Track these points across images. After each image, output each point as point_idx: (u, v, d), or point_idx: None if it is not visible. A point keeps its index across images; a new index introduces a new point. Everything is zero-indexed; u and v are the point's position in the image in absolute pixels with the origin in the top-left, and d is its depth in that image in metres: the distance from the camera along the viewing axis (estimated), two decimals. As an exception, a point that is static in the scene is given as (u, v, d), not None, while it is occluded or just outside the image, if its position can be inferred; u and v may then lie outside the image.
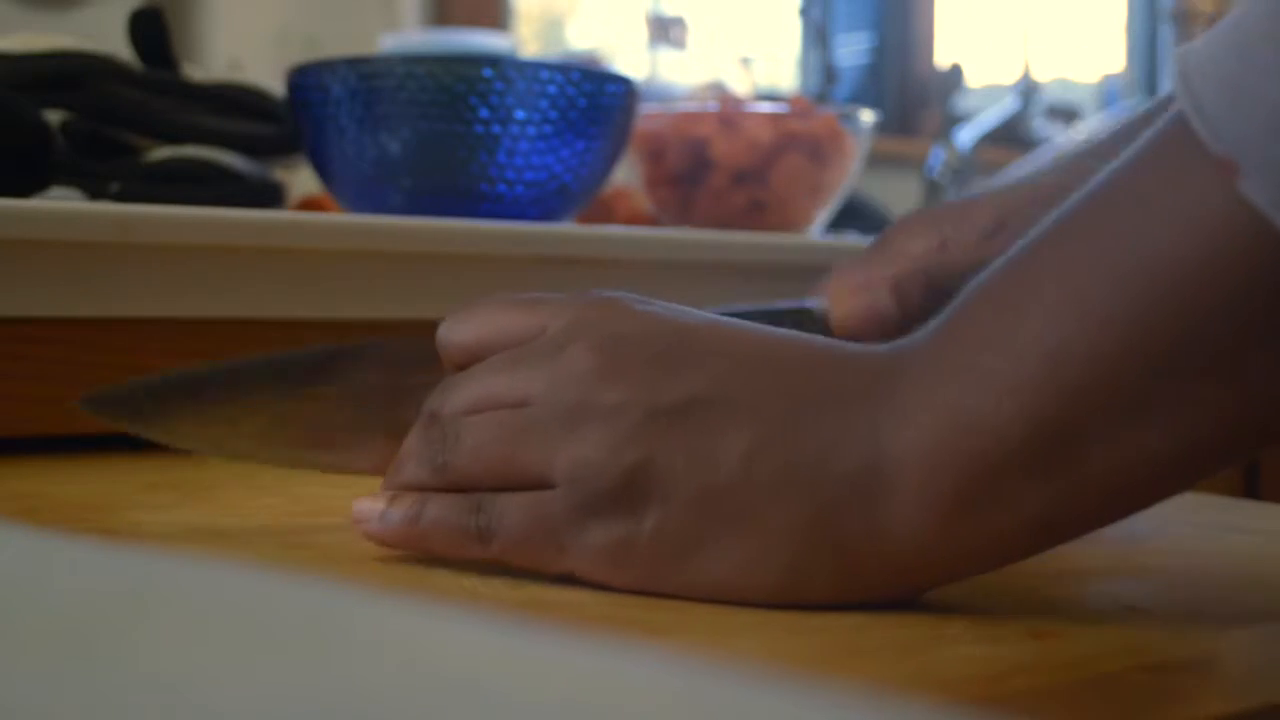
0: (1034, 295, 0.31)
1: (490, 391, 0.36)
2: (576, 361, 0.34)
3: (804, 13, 1.96)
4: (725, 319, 0.36)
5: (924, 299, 0.45)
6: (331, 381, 0.42)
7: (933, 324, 0.34)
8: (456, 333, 0.38)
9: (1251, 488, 1.01)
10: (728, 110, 0.87)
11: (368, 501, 0.37)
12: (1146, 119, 0.46)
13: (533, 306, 0.37)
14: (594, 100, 0.72)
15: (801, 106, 0.89)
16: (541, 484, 0.34)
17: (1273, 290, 0.28)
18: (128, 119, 0.74)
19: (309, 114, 0.72)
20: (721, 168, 0.86)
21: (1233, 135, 0.28)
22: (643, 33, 2.08)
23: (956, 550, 0.32)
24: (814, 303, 0.48)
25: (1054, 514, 0.31)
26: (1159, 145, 0.31)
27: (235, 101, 0.78)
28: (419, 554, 0.38)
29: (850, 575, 0.33)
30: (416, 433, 0.38)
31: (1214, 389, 0.29)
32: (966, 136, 1.80)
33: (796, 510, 0.32)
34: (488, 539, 0.35)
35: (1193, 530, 0.46)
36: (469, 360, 0.37)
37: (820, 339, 0.36)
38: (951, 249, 0.46)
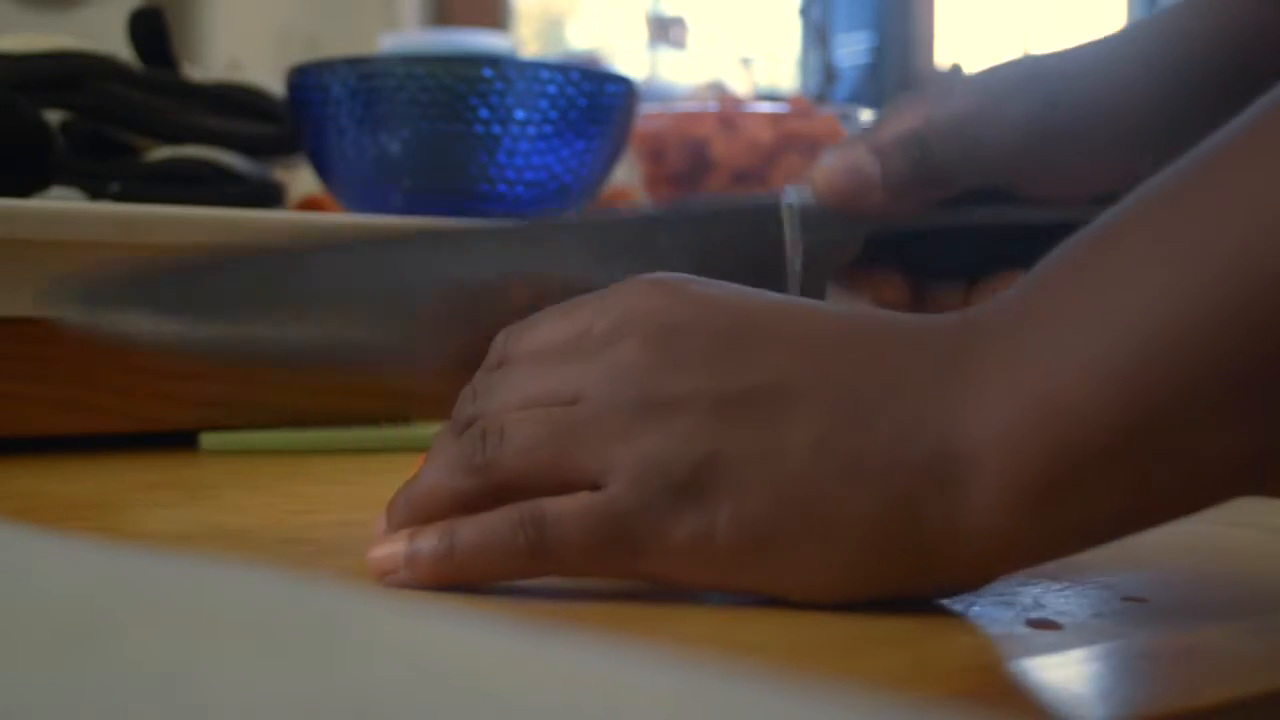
0: (1130, 275, 0.29)
1: (537, 389, 0.34)
2: (630, 356, 0.33)
3: (804, 13, 1.96)
4: (782, 298, 0.35)
5: (907, 156, 0.44)
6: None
7: (1010, 293, 0.32)
8: (509, 349, 0.36)
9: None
10: (728, 110, 0.87)
11: (385, 546, 0.34)
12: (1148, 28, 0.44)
13: (576, 307, 0.35)
14: (594, 100, 0.72)
15: (801, 106, 0.89)
16: (593, 486, 0.32)
17: None
18: (128, 119, 0.74)
19: (309, 114, 0.72)
20: (721, 168, 0.86)
21: None
22: (643, 33, 2.08)
23: (1037, 539, 0.31)
24: (791, 193, 0.46)
25: (1140, 503, 0.30)
26: (1265, 123, 0.29)
27: (235, 101, 0.78)
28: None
29: (927, 565, 0.31)
30: (446, 439, 0.35)
31: None
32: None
33: (870, 499, 0.31)
34: (543, 552, 0.32)
35: (1192, 524, 0.46)
36: None
37: (885, 314, 0.34)
38: (936, 120, 0.45)
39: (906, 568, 0.32)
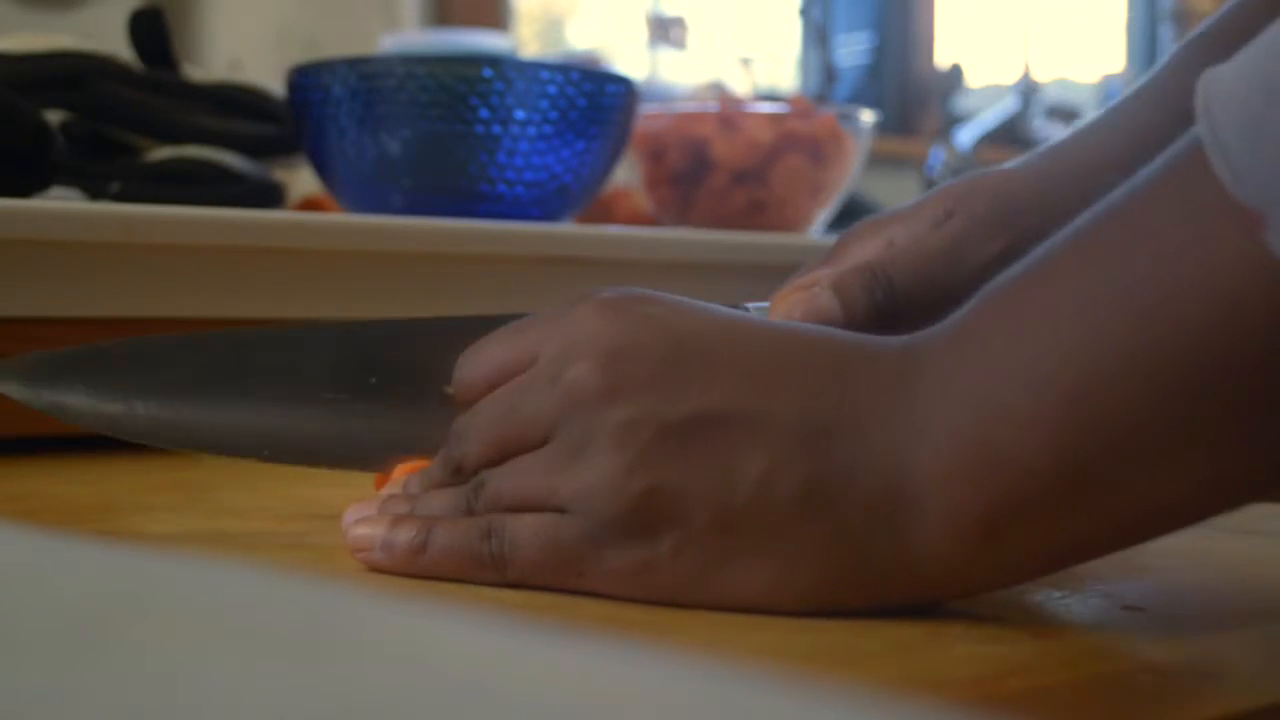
0: (1051, 326, 0.30)
1: (509, 432, 0.35)
2: (580, 382, 0.33)
3: (804, 13, 1.96)
4: (733, 315, 0.35)
5: (869, 296, 0.44)
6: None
7: (950, 320, 0.33)
8: (465, 374, 0.37)
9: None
10: (728, 110, 0.87)
11: (365, 527, 0.36)
12: (1122, 114, 0.45)
13: (521, 331, 0.36)
14: (594, 100, 0.72)
15: (801, 106, 0.89)
16: (558, 509, 0.34)
17: None
18: (128, 119, 0.74)
19: (309, 114, 0.72)
20: (721, 168, 0.86)
21: (1256, 184, 0.27)
22: (643, 33, 2.08)
23: (982, 571, 0.32)
24: (754, 307, 0.46)
25: (1078, 541, 0.31)
26: (1179, 171, 0.30)
27: (235, 101, 0.78)
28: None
29: (877, 592, 0.32)
30: (438, 469, 0.38)
31: (1233, 438, 0.29)
32: (966, 136, 1.80)
33: (819, 530, 0.32)
34: (502, 564, 0.34)
35: (1192, 532, 0.46)
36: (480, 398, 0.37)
37: (834, 334, 0.35)
38: (899, 244, 0.45)
39: (856, 594, 0.32)
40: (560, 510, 0.34)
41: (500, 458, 0.35)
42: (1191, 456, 0.29)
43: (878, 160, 1.18)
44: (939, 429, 0.31)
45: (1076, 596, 0.35)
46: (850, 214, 1.33)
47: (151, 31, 0.77)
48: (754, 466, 0.32)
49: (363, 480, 0.52)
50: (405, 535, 0.35)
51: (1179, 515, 0.31)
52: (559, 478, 0.33)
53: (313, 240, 0.62)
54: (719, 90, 1.33)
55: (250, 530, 0.42)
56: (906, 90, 2.31)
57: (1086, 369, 0.30)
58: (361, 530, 0.36)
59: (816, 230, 0.91)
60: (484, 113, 0.69)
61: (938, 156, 1.76)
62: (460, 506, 0.36)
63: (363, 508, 0.38)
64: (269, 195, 0.76)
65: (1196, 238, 0.29)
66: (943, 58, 2.34)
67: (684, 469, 0.32)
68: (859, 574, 0.32)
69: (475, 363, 0.37)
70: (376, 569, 0.36)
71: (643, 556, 0.33)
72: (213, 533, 0.41)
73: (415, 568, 0.35)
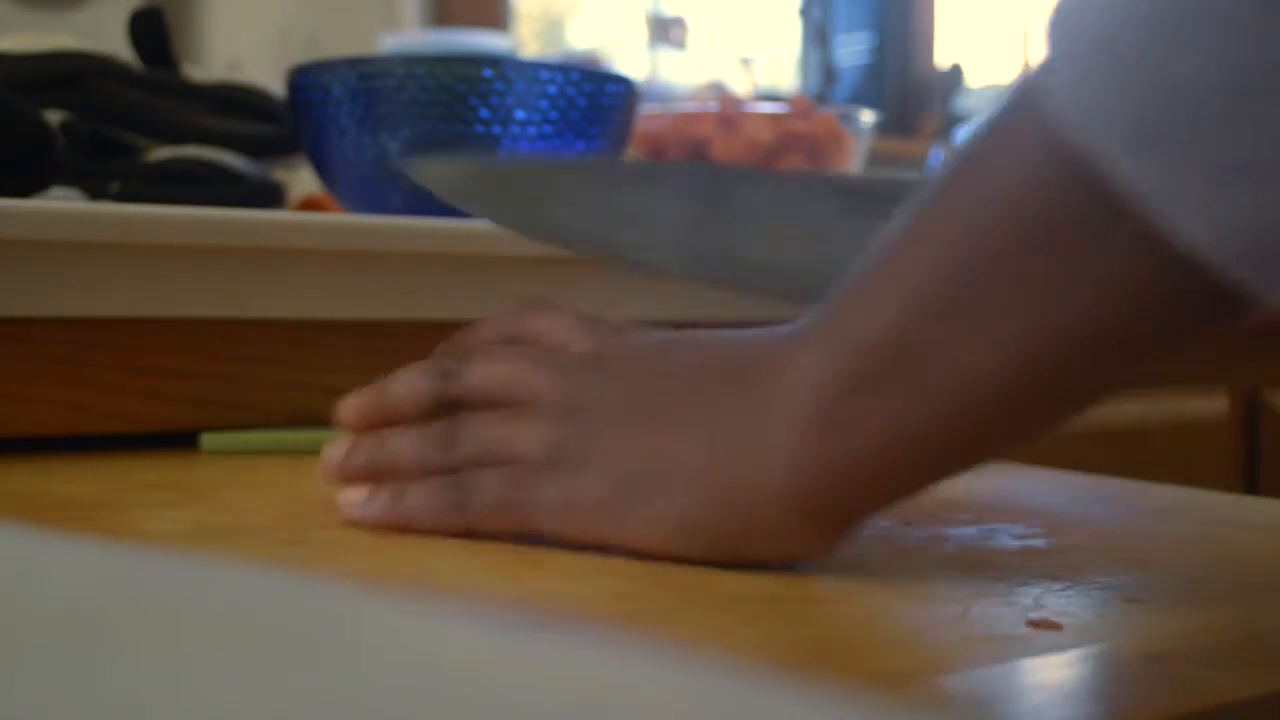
0: (888, 238, 0.36)
1: (509, 394, 0.43)
2: (547, 373, 0.42)
3: (804, 13, 1.96)
4: (660, 338, 0.42)
5: None
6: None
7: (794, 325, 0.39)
8: (511, 325, 0.46)
9: (1251, 485, 1.01)
10: (728, 110, 0.87)
11: (351, 492, 0.43)
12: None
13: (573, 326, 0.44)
14: (594, 100, 0.72)
15: (801, 106, 0.89)
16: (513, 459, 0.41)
17: (1082, 223, 0.31)
18: (128, 119, 0.74)
19: (309, 114, 0.72)
20: (721, 167, 0.86)
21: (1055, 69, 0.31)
22: (643, 33, 2.08)
23: (831, 474, 0.36)
24: None
25: (914, 426, 0.35)
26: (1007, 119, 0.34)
27: (235, 101, 0.78)
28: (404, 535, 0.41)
29: (748, 513, 0.37)
30: (420, 377, 0.45)
31: (1026, 310, 0.33)
32: (966, 136, 1.80)
33: (698, 460, 0.38)
34: (467, 510, 0.40)
35: (1193, 526, 0.46)
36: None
37: (718, 342, 0.40)
38: None
39: (735, 518, 0.37)
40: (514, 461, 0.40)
41: (485, 405, 0.42)
42: (995, 327, 0.33)
43: (878, 160, 1.18)
44: (795, 370, 0.37)
45: (1077, 588, 0.35)
46: (850, 214, 1.33)
47: (151, 31, 0.77)
48: (639, 435, 0.39)
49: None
50: (380, 503, 0.42)
51: (1003, 394, 0.34)
52: (511, 428, 0.41)
53: (313, 240, 0.62)
54: (719, 90, 1.33)
55: (250, 528, 0.42)
56: (906, 90, 2.31)
57: (904, 251, 0.35)
58: (348, 494, 0.43)
59: (816, 230, 0.91)
60: (484, 113, 0.69)
61: (938, 156, 1.76)
62: (428, 454, 0.42)
63: (339, 446, 0.44)
64: (269, 195, 0.76)
65: (997, 133, 0.33)
66: (943, 58, 2.34)
67: (588, 433, 0.40)
68: (728, 504, 0.37)
69: (522, 325, 0.45)
70: (355, 523, 0.42)
71: (568, 492, 0.39)
72: (213, 530, 0.41)
73: (390, 525, 0.42)
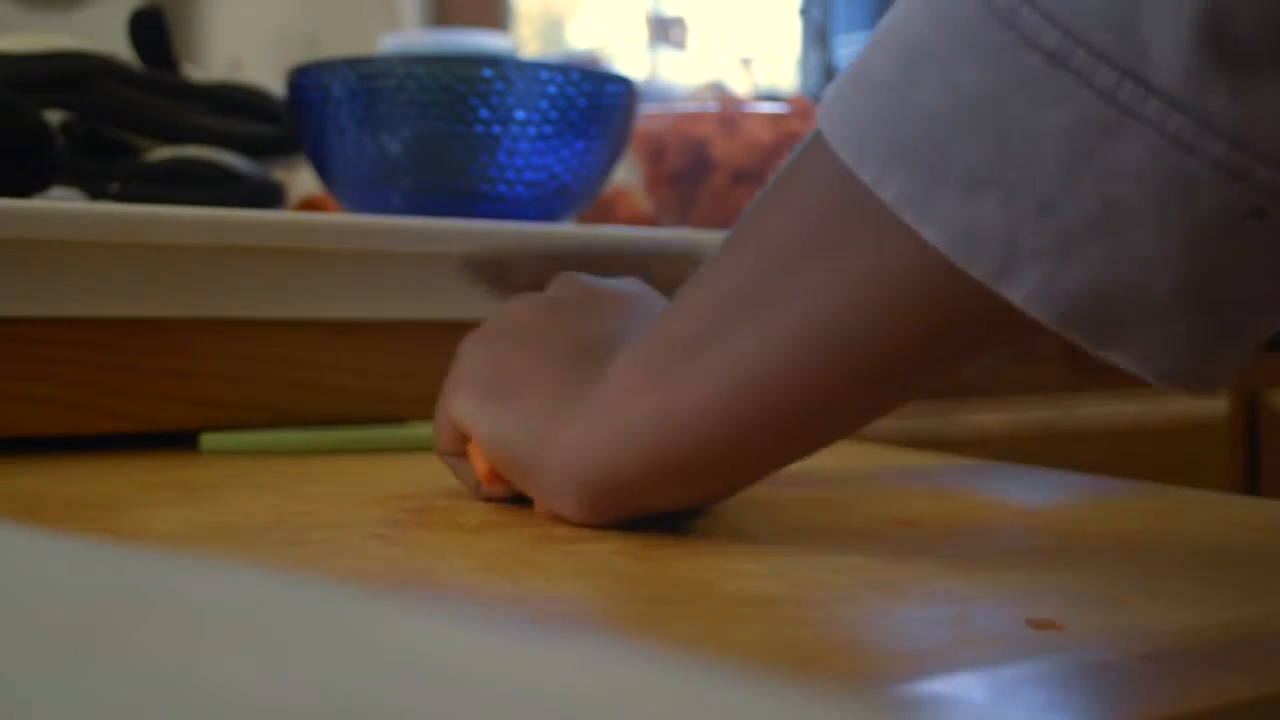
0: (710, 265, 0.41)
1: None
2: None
3: (804, 13, 1.96)
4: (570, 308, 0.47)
5: None
6: None
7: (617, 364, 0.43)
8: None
9: (1251, 485, 1.01)
10: (728, 110, 0.87)
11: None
12: None
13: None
14: (594, 100, 0.72)
15: (801, 107, 0.89)
16: None
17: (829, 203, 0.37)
18: (128, 119, 0.74)
19: (309, 114, 0.72)
20: (721, 168, 0.86)
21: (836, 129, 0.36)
22: (643, 33, 2.08)
23: (599, 447, 0.41)
24: None
25: (671, 412, 0.39)
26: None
27: (235, 101, 0.78)
28: (422, 546, 0.38)
29: (537, 451, 0.42)
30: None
31: (799, 308, 0.37)
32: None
33: (539, 394, 0.43)
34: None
35: (1193, 526, 0.46)
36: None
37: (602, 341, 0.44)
38: None
39: (526, 449, 0.43)
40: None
41: None
42: (769, 317, 0.38)
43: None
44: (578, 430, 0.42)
45: (1077, 588, 0.35)
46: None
47: (151, 31, 0.77)
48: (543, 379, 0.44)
49: (361, 480, 0.52)
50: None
51: (767, 384, 0.38)
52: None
53: (313, 240, 0.62)
54: (719, 90, 1.33)
55: (251, 527, 0.42)
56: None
57: (717, 257, 0.40)
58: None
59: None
60: (484, 113, 0.69)
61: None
62: None
63: None
64: (269, 195, 0.76)
65: (799, 157, 0.39)
66: (943, 58, 2.33)
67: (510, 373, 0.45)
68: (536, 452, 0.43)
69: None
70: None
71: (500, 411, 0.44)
72: (213, 530, 0.41)
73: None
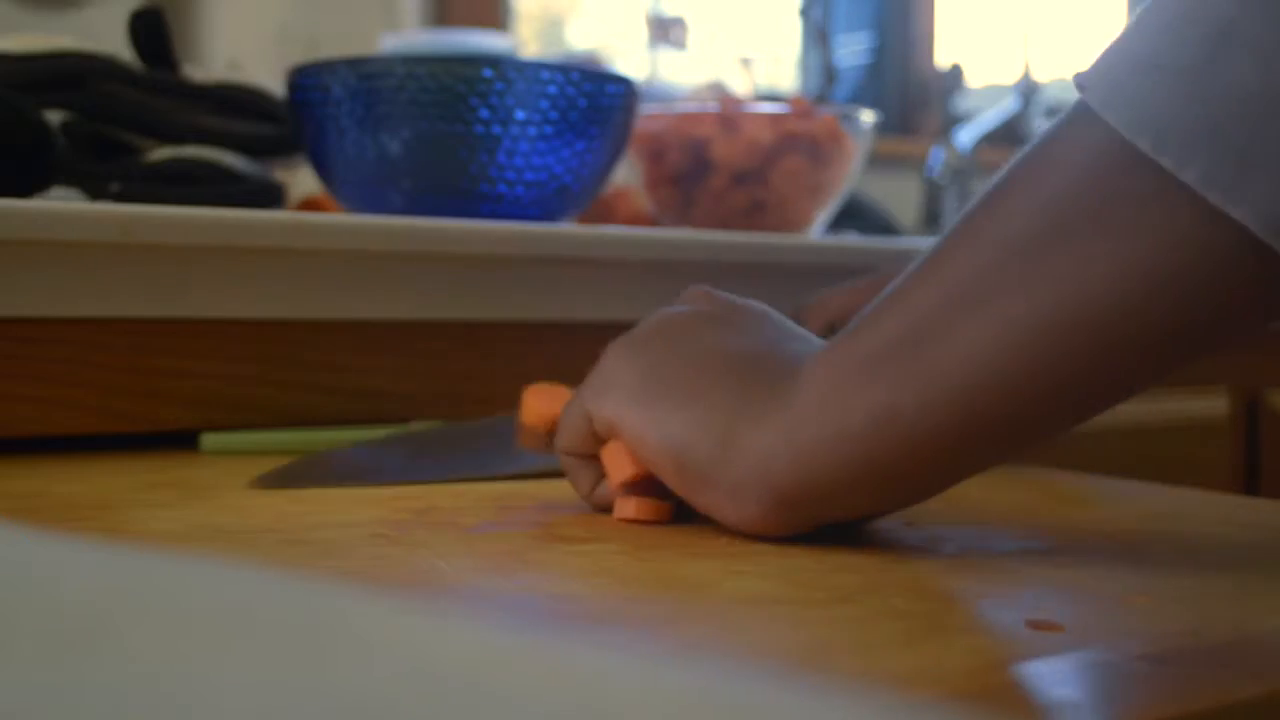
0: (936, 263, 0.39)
1: None
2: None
3: (804, 13, 1.96)
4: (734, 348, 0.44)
5: None
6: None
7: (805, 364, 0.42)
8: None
9: (1251, 485, 1.01)
10: (728, 110, 0.87)
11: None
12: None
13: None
14: (594, 100, 0.72)
15: (801, 107, 0.89)
16: None
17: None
18: (128, 119, 0.74)
19: (309, 114, 0.72)
20: (721, 168, 0.86)
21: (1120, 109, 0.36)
22: (643, 33, 2.08)
23: (807, 455, 0.39)
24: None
25: (896, 414, 0.38)
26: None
27: (235, 101, 0.78)
28: (419, 544, 0.38)
29: (729, 459, 0.40)
30: None
31: (1050, 300, 0.36)
32: (966, 136, 1.80)
33: (714, 400, 0.42)
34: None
35: (1193, 526, 0.46)
36: None
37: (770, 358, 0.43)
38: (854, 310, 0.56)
39: (708, 454, 0.41)
40: None
41: None
42: (1006, 310, 0.37)
43: (878, 160, 1.18)
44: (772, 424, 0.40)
45: (1077, 588, 0.35)
46: (850, 214, 1.33)
47: (151, 31, 0.77)
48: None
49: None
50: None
51: (1001, 379, 0.37)
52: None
53: (313, 240, 0.62)
54: (719, 90, 1.33)
55: (250, 528, 0.42)
56: (906, 90, 2.31)
57: (942, 250, 0.39)
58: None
59: (816, 230, 0.91)
60: (484, 113, 0.69)
61: (938, 156, 1.76)
62: None
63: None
64: (269, 195, 0.76)
65: (1045, 149, 0.38)
66: (943, 58, 2.34)
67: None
68: (715, 449, 0.41)
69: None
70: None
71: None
72: (213, 530, 0.41)
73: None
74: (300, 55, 0.81)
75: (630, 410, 0.43)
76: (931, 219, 1.73)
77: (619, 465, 0.44)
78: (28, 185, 0.63)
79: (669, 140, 0.87)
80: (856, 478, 0.39)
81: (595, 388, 0.45)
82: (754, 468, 0.40)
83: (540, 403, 0.52)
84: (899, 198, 1.79)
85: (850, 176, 0.90)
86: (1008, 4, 2.55)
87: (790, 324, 0.46)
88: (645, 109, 0.86)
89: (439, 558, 0.38)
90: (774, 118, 0.87)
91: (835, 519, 0.41)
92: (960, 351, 0.37)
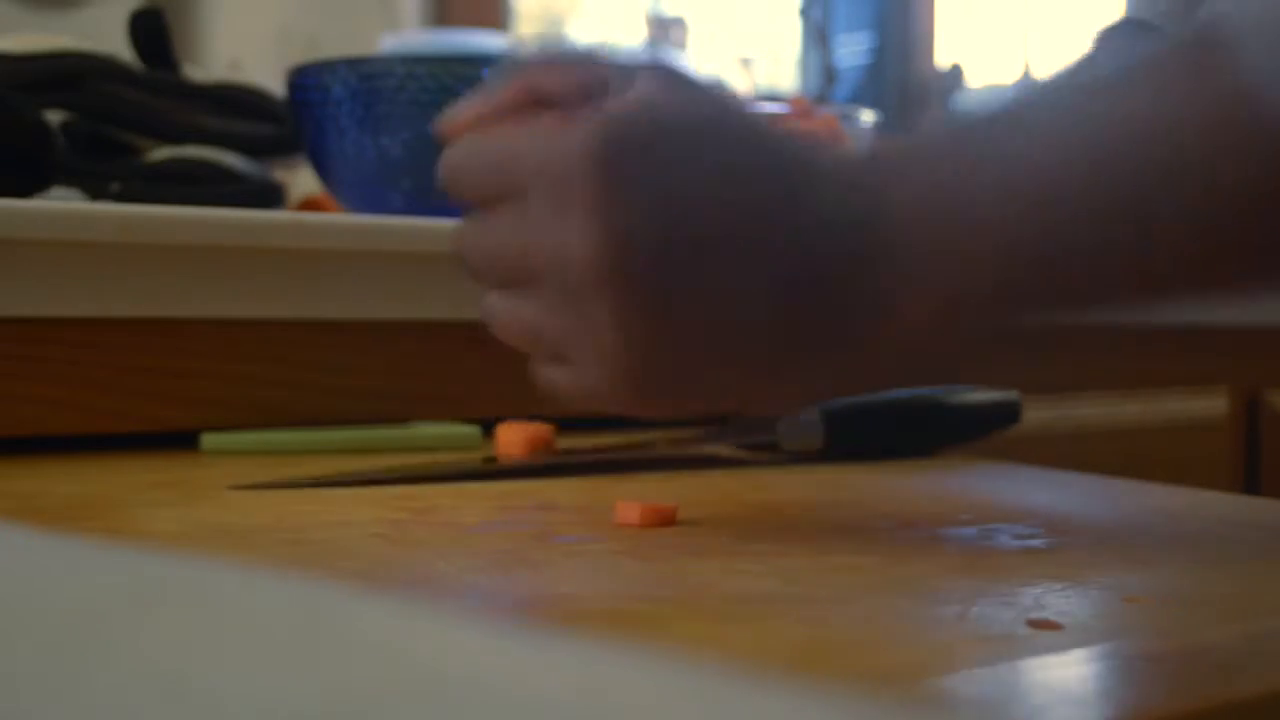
0: (1016, 150, 0.39)
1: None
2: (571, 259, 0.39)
3: (804, 13, 1.96)
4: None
5: None
6: None
7: (909, 152, 0.40)
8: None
9: (1251, 485, 1.01)
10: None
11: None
12: None
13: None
14: (594, 100, 0.72)
15: (801, 107, 0.89)
16: None
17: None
18: (128, 119, 0.74)
19: (309, 114, 0.72)
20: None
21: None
22: (643, 33, 2.08)
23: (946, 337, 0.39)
24: None
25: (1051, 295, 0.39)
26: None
27: (235, 101, 0.78)
28: (423, 540, 0.37)
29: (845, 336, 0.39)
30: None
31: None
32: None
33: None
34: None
35: (1192, 526, 0.46)
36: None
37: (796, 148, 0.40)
38: None
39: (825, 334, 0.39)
40: None
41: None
42: (1137, 248, 0.38)
43: (878, 160, 1.17)
44: (918, 208, 0.38)
45: (1077, 588, 0.35)
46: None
47: (151, 31, 0.77)
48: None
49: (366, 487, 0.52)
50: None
51: (1125, 296, 0.40)
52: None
53: (313, 240, 0.62)
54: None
55: (250, 528, 0.42)
56: (906, 90, 2.31)
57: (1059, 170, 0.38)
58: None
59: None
60: (484, 113, 0.69)
61: (938, 156, 1.76)
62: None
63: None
64: (269, 195, 0.76)
65: (1157, 79, 0.38)
66: (943, 58, 2.34)
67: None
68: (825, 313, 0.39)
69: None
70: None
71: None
72: (213, 530, 0.41)
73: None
74: (300, 55, 0.81)
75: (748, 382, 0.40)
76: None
77: (627, 512, 0.44)
78: (28, 185, 0.63)
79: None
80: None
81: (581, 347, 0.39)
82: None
83: (514, 435, 0.54)
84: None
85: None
86: (1008, 4, 2.55)
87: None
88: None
89: (439, 558, 0.38)
90: (773, 118, 0.86)
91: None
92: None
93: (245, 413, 0.62)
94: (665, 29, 2.08)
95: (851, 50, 2.27)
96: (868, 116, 0.90)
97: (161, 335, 0.60)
